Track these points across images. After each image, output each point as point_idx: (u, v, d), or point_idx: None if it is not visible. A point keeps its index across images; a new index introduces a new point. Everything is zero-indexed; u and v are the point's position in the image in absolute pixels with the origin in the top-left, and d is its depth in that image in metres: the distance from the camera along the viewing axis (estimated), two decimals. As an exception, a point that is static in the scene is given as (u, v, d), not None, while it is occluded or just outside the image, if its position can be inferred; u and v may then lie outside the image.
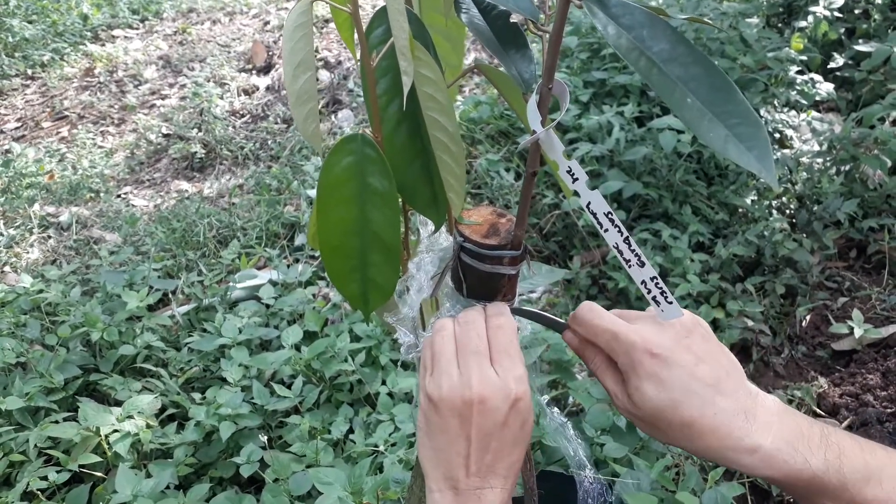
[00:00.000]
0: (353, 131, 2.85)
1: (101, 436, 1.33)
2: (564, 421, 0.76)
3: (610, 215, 0.44)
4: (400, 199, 0.67)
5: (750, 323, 1.86)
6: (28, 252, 2.26)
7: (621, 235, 0.44)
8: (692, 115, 0.38)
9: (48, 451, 1.34)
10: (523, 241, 0.57)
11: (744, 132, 0.38)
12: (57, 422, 1.39)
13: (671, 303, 0.45)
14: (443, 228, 0.65)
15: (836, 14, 2.82)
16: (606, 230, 0.44)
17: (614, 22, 0.41)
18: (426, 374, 0.53)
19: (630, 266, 0.45)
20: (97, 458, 1.32)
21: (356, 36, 0.55)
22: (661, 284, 0.44)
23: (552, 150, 0.46)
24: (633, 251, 0.44)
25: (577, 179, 0.44)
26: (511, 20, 0.54)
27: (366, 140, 0.51)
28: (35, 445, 1.32)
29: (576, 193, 0.45)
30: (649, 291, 0.45)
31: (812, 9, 2.81)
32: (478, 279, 0.58)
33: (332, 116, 2.99)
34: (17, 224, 2.42)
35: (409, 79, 0.46)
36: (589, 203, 0.44)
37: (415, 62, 0.49)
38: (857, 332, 1.77)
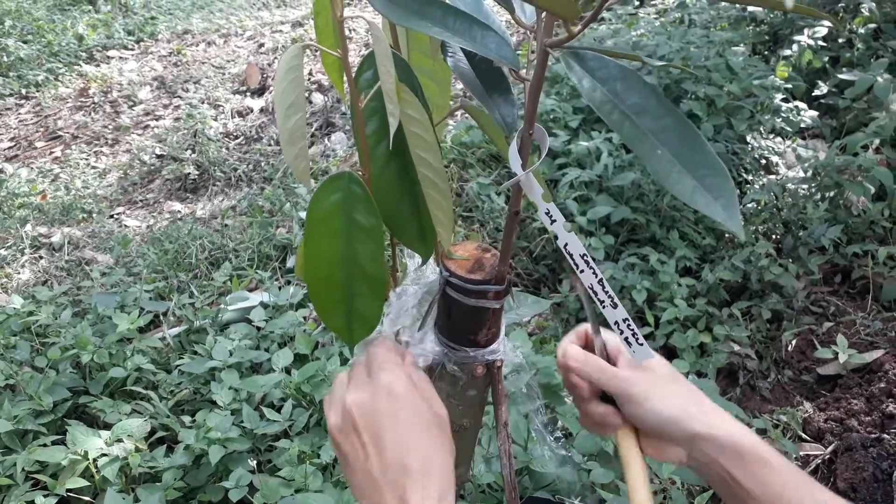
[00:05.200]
0: (345, 154, 2.87)
1: (89, 459, 1.33)
2: (567, 455, 0.78)
3: (585, 257, 0.46)
4: (388, 233, 0.69)
5: (736, 347, 1.88)
6: (19, 273, 2.26)
7: (596, 277, 0.46)
8: (661, 165, 0.40)
9: (35, 476, 1.33)
10: (507, 276, 0.59)
11: (711, 183, 0.40)
12: (45, 445, 1.39)
13: (642, 345, 0.46)
14: (430, 261, 0.67)
15: (821, 43, 2.88)
16: (582, 271, 0.46)
17: (590, 75, 0.43)
18: (327, 417, 0.55)
19: (604, 307, 0.46)
20: (85, 483, 1.31)
21: (345, 76, 0.57)
22: (633, 326, 0.46)
23: (532, 193, 0.48)
24: (606, 293, 0.46)
25: (555, 221, 0.46)
26: (495, 65, 0.56)
27: (353, 178, 0.53)
28: (22, 469, 1.32)
29: (554, 235, 0.47)
30: (621, 333, 0.46)
31: (797, 38, 2.87)
32: (464, 313, 0.60)
33: (326, 139, 3.02)
34: (8, 244, 2.42)
35: (396, 120, 0.48)
36: (566, 244, 0.46)
37: (401, 104, 0.51)
38: (842, 357, 1.79)
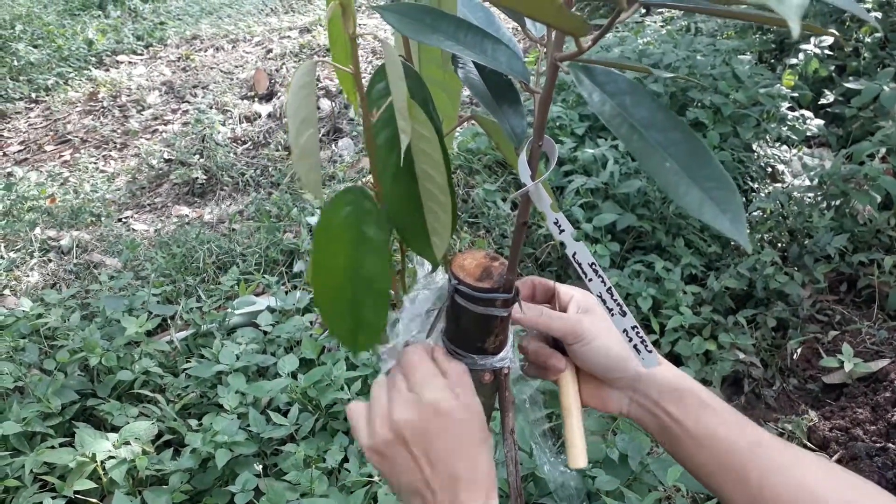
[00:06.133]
0: (352, 159, 2.89)
1: (96, 462, 1.34)
2: (565, 470, 0.79)
3: (594, 266, 0.46)
4: (396, 240, 0.70)
5: (742, 355, 1.88)
6: (28, 276, 2.28)
7: (605, 286, 0.46)
8: (670, 178, 0.40)
9: (44, 477, 1.35)
10: (515, 285, 0.60)
11: (719, 196, 0.40)
12: (53, 447, 1.40)
13: (651, 352, 0.47)
14: (440, 267, 0.67)
15: (827, 52, 2.89)
16: (591, 280, 0.46)
17: (599, 89, 0.44)
18: (362, 428, 0.57)
19: (613, 315, 0.47)
20: (92, 485, 1.33)
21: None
22: (642, 334, 0.47)
23: (541, 203, 0.49)
24: (615, 301, 0.47)
25: (563, 231, 0.47)
26: (504, 77, 0.57)
27: (364, 193, 0.54)
28: (31, 471, 1.33)
29: (562, 244, 0.48)
30: (630, 340, 0.47)
31: (803, 46, 2.87)
32: (472, 321, 0.61)
33: (333, 145, 3.04)
34: (17, 247, 2.44)
35: (407, 137, 0.49)
36: (574, 253, 0.47)
37: (412, 121, 0.52)
38: (848, 366, 1.79)
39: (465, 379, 0.58)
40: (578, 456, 0.62)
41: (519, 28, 0.57)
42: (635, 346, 0.50)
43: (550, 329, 0.61)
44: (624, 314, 0.48)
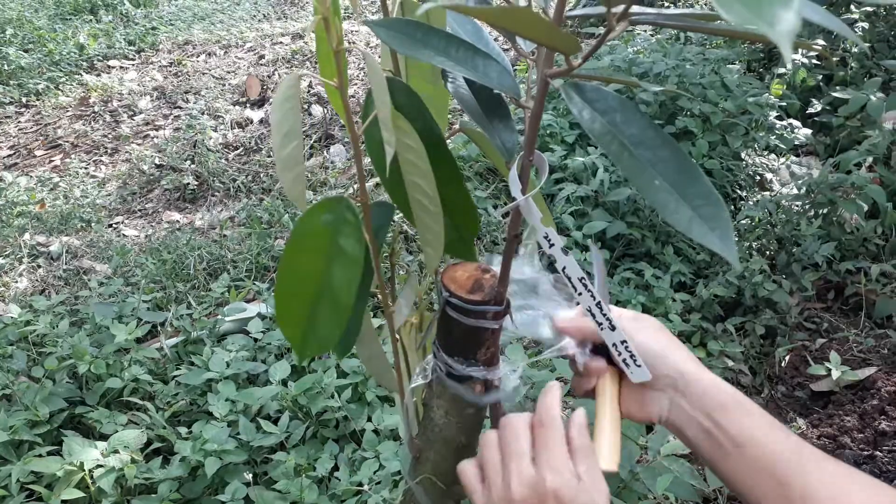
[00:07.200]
0: (344, 166, 2.89)
1: (84, 470, 1.33)
2: None
3: (583, 280, 0.47)
4: (389, 250, 0.70)
5: (730, 363, 1.90)
6: (17, 282, 2.27)
7: (594, 300, 0.47)
8: (659, 196, 0.41)
9: (31, 486, 1.33)
10: (506, 297, 0.60)
11: (707, 213, 0.41)
12: (41, 456, 1.39)
13: (640, 366, 0.48)
14: (524, 263, 0.66)
15: (814, 62, 2.92)
16: (580, 294, 0.47)
17: (589, 106, 0.44)
18: (477, 491, 0.55)
19: (602, 329, 0.48)
20: (80, 494, 1.32)
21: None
22: (631, 348, 0.47)
23: (531, 217, 0.49)
24: (604, 315, 0.47)
25: (553, 245, 0.47)
26: (495, 91, 0.58)
27: (349, 205, 0.54)
28: (17, 480, 1.32)
29: (552, 258, 0.48)
30: (619, 354, 0.48)
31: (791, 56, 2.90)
32: (463, 332, 0.61)
33: (325, 151, 3.04)
34: (6, 253, 2.42)
35: (392, 149, 0.49)
36: (564, 267, 0.47)
37: (398, 133, 0.52)
38: (835, 374, 1.81)
39: (592, 459, 0.54)
40: (606, 457, 0.58)
41: (508, 40, 0.57)
42: (624, 360, 0.51)
43: (589, 331, 0.59)
44: (613, 328, 0.48)
